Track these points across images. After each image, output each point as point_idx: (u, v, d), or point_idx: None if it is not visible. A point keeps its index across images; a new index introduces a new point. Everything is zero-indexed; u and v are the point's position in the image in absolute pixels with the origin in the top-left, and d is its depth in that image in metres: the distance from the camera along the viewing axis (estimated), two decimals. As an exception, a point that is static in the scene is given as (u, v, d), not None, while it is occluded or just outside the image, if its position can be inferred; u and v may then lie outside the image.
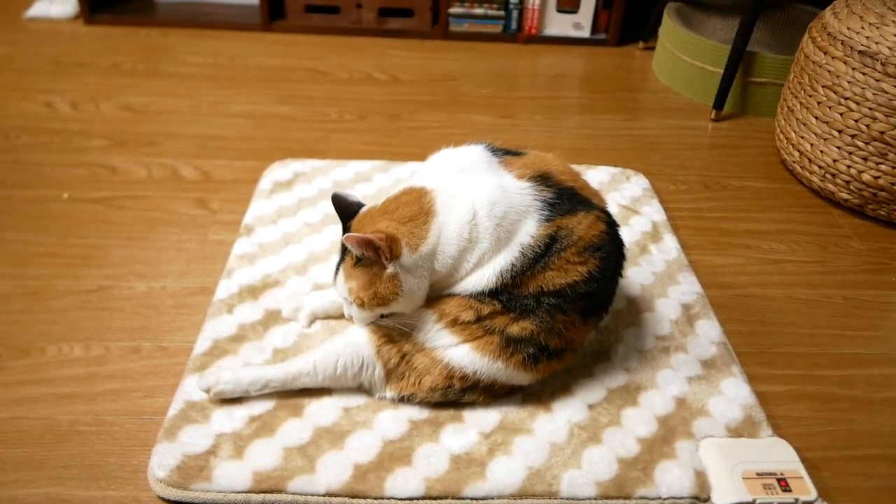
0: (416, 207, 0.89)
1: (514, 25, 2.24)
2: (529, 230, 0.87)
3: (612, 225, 0.94)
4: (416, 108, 1.81)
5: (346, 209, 0.96)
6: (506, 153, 0.96)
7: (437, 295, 0.92)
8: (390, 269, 0.87)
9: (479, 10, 2.22)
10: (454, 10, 2.22)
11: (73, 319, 1.08)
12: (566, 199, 0.90)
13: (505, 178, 0.91)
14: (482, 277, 0.88)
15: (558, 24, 2.25)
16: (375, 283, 0.88)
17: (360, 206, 0.96)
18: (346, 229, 0.95)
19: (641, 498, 0.85)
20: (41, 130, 1.60)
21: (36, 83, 1.82)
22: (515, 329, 0.88)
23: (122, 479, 0.86)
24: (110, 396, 0.96)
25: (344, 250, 0.91)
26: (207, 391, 0.93)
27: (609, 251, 0.91)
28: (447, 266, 0.89)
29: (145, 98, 1.77)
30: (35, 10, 2.22)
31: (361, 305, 0.90)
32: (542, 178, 0.91)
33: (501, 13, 2.22)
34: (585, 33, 2.26)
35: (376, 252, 0.86)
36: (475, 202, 0.87)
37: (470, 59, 2.13)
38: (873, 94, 1.32)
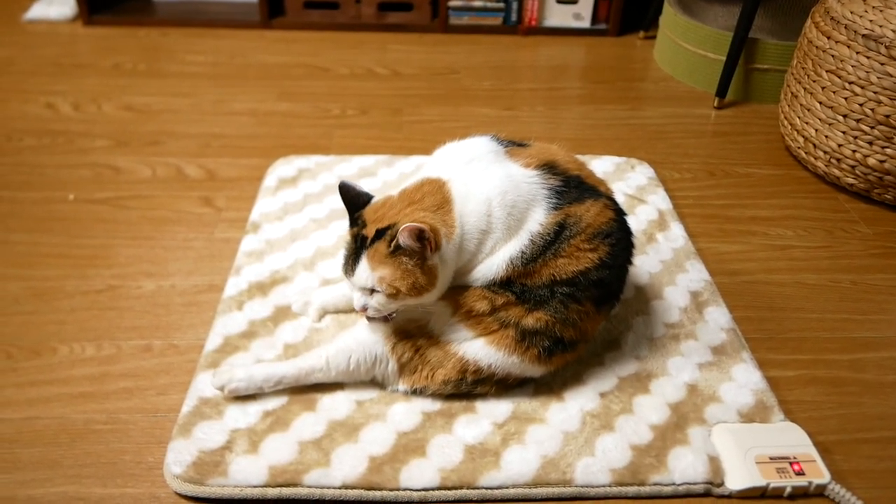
0: (439, 197, 0.88)
1: (513, 17, 2.23)
2: (538, 218, 0.87)
3: (619, 212, 0.94)
4: (418, 102, 1.80)
5: (354, 200, 0.92)
6: (511, 144, 0.96)
7: (450, 286, 0.92)
8: (432, 260, 0.85)
9: (478, 3, 2.21)
10: (453, 3, 2.21)
11: (83, 319, 1.09)
12: (573, 187, 0.90)
13: (512, 167, 0.91)
14: (492, 265, 0.88)
15: (558, 15, 2.24)
16: (415, 274, 0.85)
17: (369, 197, 0.93)
18: (353, 220, 0.91)
19: (656, 484, 0.85)
20: (44, 132, 1.60)
21: (37, 85, 1.82)
22: (530, 321, 0.88)
23: (139, 476, 0.86)
24: (123, 395, 0.96)
25: (361, 240, 0.87)
26: (221, 389, 0.93)
27: (619, 238, 0.91)
28: (466, 256, 0.88)
29: (147, 98, 1.77)
30: (33, 13, 2.21)
31: (394, 295, 0.86)
32: (549, 167, 0.91)
33: (501, 5, 2.21)
34: (586, 24, 2.25)
35: (423, 243, 0.83)
36: (488, 193, 0.87)
37: (470, 52, 2.13)
38: (878, 77, 1.32)
